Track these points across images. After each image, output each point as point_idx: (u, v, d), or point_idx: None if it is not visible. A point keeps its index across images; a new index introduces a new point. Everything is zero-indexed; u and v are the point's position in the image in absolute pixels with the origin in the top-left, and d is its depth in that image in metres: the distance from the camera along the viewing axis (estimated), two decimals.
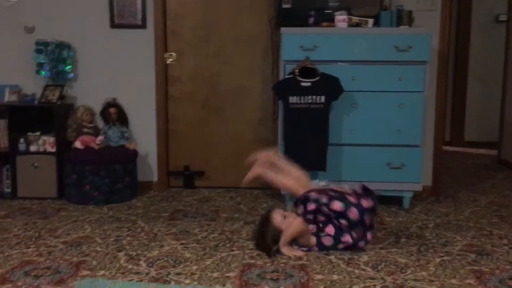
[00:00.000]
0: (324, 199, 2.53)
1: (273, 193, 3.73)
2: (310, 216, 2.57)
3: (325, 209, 2.51)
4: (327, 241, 2.53)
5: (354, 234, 2.51)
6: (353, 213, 2.48)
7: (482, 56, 6.22)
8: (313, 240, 2.54)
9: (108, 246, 2.62)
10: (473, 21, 6.23)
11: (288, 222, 2.50)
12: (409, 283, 2.18)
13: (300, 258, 2.44)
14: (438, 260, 2.46)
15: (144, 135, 3.88)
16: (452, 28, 5.81)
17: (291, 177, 2.77)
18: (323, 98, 3.19)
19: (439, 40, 3.64)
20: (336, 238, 2.52)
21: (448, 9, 3.64)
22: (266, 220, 2.54)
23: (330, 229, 2.53)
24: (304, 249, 2.54)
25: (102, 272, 2.28)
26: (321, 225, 2.55)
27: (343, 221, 2.50)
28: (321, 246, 2.54)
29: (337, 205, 2.50)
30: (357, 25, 3.34)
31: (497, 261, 2.44)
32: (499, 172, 4.68)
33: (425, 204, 3.53)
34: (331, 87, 3.20)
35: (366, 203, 2.52)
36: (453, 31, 6.13)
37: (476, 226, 3.02)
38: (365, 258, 2.47)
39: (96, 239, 2.73)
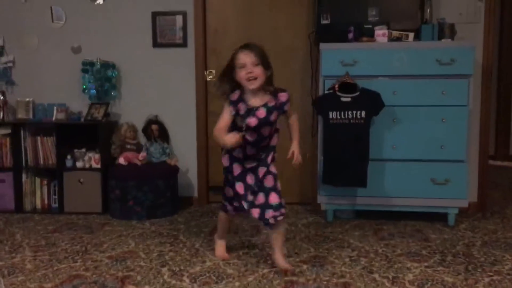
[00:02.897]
0: None
1: (313, 209, 3.72)
2: None
3: None
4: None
5: None
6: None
7: None
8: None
9: (151, 261, 2.67)
10: None
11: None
12: None
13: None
14: (487, 279, 2.37)
15: (185, 151, 3.95)
16: (495, 41, 5.67)
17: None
18: (363, 114, 3.17)
19: (482, 53, 3.57)
20: None
21: (492, 21, 3.57)
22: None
23: None
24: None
25: (147, 287, 2.31)
26: None
27: None
28: None
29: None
30: (398, 39, 3.30)
31: None
32: None
33: (471, 221, 3.43)
34: (371, 102, 3.17)
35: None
36: (496, 44, 5.96)
37: None
38: (410, 276, 2.41)
39: (140, 254, 2.78)
